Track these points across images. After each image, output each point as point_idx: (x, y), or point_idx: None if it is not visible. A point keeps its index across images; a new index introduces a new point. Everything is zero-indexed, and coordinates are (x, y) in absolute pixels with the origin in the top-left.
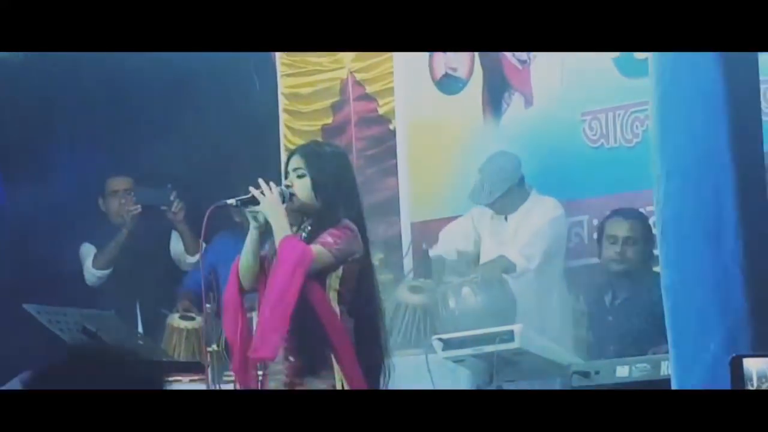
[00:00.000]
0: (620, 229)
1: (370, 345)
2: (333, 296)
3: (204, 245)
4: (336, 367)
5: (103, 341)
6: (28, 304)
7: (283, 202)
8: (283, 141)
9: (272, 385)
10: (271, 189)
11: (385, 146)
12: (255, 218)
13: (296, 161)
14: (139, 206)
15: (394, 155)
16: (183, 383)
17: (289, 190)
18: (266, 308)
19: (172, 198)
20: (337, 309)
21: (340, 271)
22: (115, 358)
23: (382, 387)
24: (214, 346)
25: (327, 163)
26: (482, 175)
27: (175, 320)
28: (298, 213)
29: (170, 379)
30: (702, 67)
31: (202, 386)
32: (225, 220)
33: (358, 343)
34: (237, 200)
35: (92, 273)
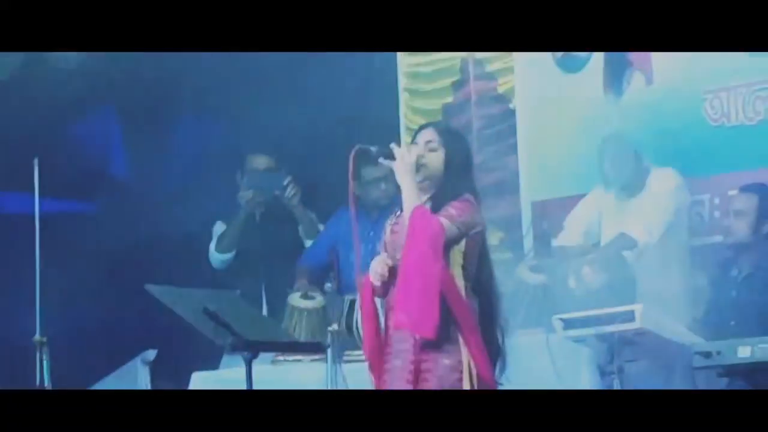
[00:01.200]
0: (748, 203)
1: (492, 323)
2: (458, 272)
3: (320, 226)
4: (462, 343)
5: (225, 322)
6: (151, 285)
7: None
8: (403, 120)
9: (397, 363)
10: (410, 153)
11: (505, 125)
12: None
13: (429, 134)
14: (251, 191)
15: (514, 134)
16: (304, 362)
17: (422, 160)
18: (410, 282)
19: (285, 183)
20: (462, 284)
21: (462, 245)
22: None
23: (501, 367)
24: (335, 326)
25: (458, 140)
26: (604, 164)
27: (295, 299)
28: (422, 184)
29: (291, 358)
30: None
31: (322, 365)
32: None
33: (481, 321)
34: (378, 149)
35: (216, 257)
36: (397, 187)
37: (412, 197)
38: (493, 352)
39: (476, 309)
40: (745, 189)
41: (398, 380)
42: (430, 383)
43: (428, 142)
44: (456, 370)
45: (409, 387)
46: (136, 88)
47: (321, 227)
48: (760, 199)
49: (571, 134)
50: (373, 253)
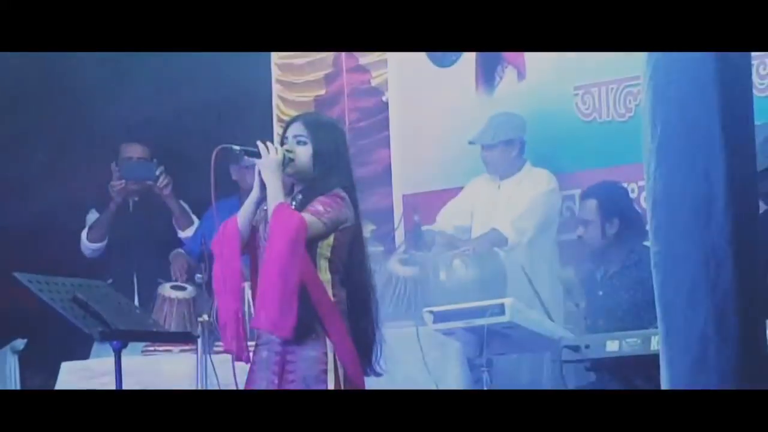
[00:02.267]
0: (590, 209)
1: (362, 315)
2: (324, 265)
3: (196, 221)
4: (326, 336)
5: (94, 310)
6: (20, 273)
7: (283, 166)
8: (275, 112)
9: (264, 355)
10: (276, 150)
11: (377, 118)
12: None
13: (297, 128)
14: (123, 181)
15: (387, 127)
16: (174, 353)
17: (290, 155)
18: (269, 281)
19: (158, 173)
20: (329, 277)
21: (331, 239)
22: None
23: (373, 358)
24: (205, 316)
25: (327, 132)
26: (490, 121)
27: (166, 290)
28: (291, 179)
29: (161, 348)
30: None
31: (192, 356)
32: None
33: (350, 312)
34: (242, 148)
35: (87, 246)
36: None
37: (275, 195)
38: (366, 343)
39: (344, 301)
40: (585, 196)
41: (264, 371)
42: (295, 375)
43: (296, 135)
44: (321, 362)
45: (275, 378)
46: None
47: (195, 219)
48: (600, 202)
49: (443, 128)
50: None
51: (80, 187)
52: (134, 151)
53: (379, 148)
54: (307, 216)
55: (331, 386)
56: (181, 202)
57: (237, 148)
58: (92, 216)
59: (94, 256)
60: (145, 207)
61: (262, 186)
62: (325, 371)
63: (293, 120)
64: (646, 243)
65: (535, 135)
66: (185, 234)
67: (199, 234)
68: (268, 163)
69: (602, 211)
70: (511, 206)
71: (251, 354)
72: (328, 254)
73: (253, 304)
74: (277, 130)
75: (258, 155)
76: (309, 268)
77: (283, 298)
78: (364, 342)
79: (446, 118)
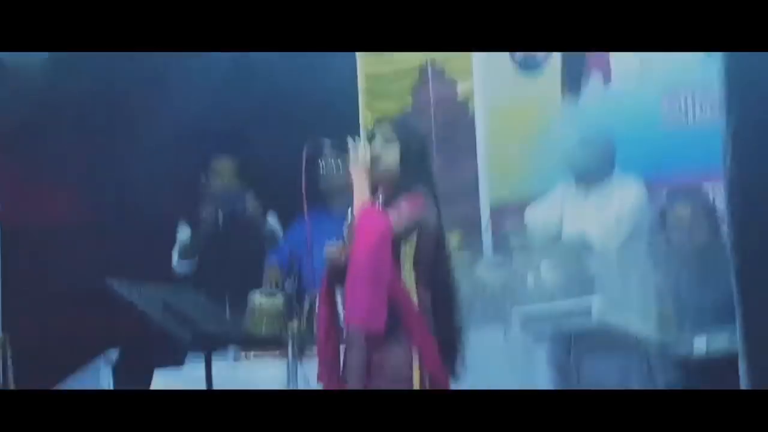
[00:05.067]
0: (677, 215)
1: (447, 317)
2: (408, 266)
3: (281, 232)
4: (410, 338)
5: (185, 315)
6: (111, 279)
7: (371, 164)
8: (362, 122)
9: (354, 354)
10: (365, 148)
11: (464, 127)
12: None
13: (386, 128)
14: (212, 205)
15: (473, 137)
16: (265, 360)
17: (377, 153)
18: (360, 279)
19: (248, 205)
20: (414, 278)
21: (414, 240)
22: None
23: (458, 360)
24: (295, 323)
25: (414, 135)
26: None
27: (257, 297)
28: (377, 179)
29: (252, 355)
30: None
31: (282, 363)
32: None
33: (435, 314)
34: (332, 141)
35: (179, 264)
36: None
37: (361, 194)
38: (451, 345)
39: (429, 302)
40: (672, 199)
41: (350, 374)
42: (382, 378)
43: (384, 135)
44: (407, 365)
45: (361, 381)
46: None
47: (280, 231)
48: (687, 206)
49: (530, 136)
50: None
51: (168, 194)
52: (224, 169)
53: (466, 158)
54: (392, 215)
55: (416, 386)
56: (269, 216)
57: (327, 140)
58: (182, 232)
59: (186, 273)
60: (234, 221)
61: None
62: (411, 375)
63: (381, 120)
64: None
65: (622, 140)
66: (272, 246)
67: (286, 242)
68: (356, 159)
69: (690, 216)
70: (599, 211)
71: (339, 357)
72: (413, 254)
73: (343, 305)
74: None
75: (347, 150)
76: (395, 271)
77: (375, 296)
78: (448, 344)
79: (533, 127)
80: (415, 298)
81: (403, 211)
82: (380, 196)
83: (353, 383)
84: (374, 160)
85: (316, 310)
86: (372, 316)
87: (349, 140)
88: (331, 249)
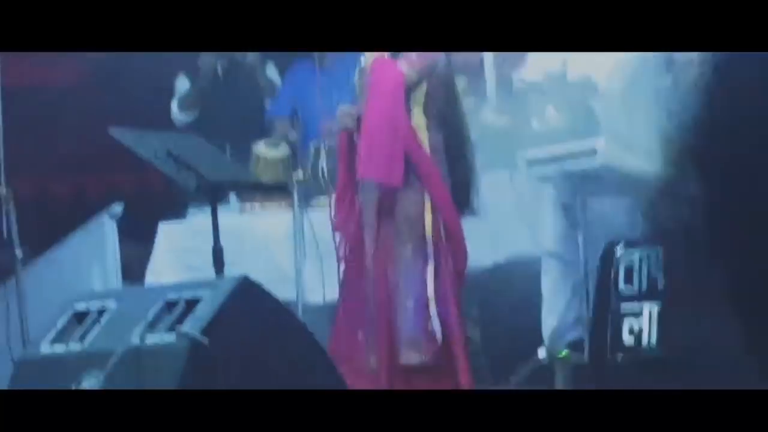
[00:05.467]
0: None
1: (459, 158)
2: (418, 111)
3: (279, 82)
4: (423, 182)
5: (189, 163)
6: (114, 128)
7: None
8: None
9: (367, 202)
10: None
11: None
12: None
13: None
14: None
15: None
16: (270, 210)
17: None
18: (376, 131)
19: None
20: (424, 121)
21: (424, 87)
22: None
23: (471, 198)
24: (300, 172)
25: None
26: None
27: (260, 148)
28: None
29: (258, 206)
30: None
31: (288, 213)
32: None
33: (447, 156)
34: None
35: (177, 115)
36: None
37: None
38: (463, 184)
39: (441, 144)
40: None
41: (364, 213)
42: (393, 224)
43: None
44: (418, 203)
45: (373, 223)
46: None
47: (279, 80)
48: None
49: None
50: (333, 101)
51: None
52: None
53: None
54: (402, 65)
55: (428, 228)
56: (267, 66)
57: None
58: (181, 83)
59: (186, 124)
60: (233, 72)
61: None
62: (422, 213)
63: None
64: None
65: None
66: (271, 94)
67: (285, 91)
68: None
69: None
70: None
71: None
72: (423, 99)
73: (358, 158)
74: None
75: None
76: (408, 121)
77: (392, 147)
78: (460, 183)
79: None
80: (426, 142)
81: (414, 61)
82: None
83: (367, 229)
84: None
85: (322, 163)
86: (390, 169)
87: None
88: (344, 111)
